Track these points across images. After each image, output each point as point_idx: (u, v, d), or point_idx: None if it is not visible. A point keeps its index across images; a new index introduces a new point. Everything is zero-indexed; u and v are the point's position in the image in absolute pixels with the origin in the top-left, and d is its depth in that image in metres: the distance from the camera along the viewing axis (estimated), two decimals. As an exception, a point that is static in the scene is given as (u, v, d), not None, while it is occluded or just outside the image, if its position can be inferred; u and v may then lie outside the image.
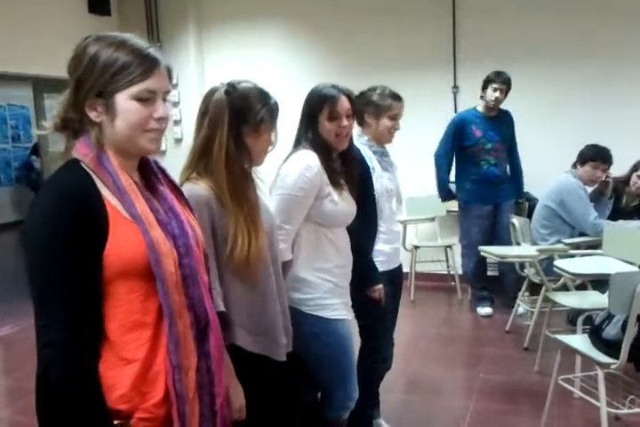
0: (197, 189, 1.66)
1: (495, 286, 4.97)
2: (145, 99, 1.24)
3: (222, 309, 1.62)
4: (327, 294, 2.16)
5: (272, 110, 1.75)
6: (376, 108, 2.67)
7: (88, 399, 1.18)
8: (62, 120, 1.27)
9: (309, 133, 2.20)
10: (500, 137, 4.67)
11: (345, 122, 2.20)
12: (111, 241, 1.20)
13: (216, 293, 1.62)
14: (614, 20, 5.03)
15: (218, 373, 1.36)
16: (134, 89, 1.23)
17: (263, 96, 1.74)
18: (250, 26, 6.00)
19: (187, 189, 1.64)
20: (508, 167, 4.77)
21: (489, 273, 5.10)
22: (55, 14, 5.41)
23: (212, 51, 6.11)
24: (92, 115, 1.25)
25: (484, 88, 4.65)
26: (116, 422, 1.20)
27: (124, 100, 1.24)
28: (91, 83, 1.23)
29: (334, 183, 2.18)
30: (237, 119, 1.69)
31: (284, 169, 2.16)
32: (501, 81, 4.56)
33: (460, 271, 5.32)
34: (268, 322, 1.74)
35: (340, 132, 2.20)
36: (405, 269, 5.03)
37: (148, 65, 1.24)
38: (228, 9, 6.04)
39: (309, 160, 2.13)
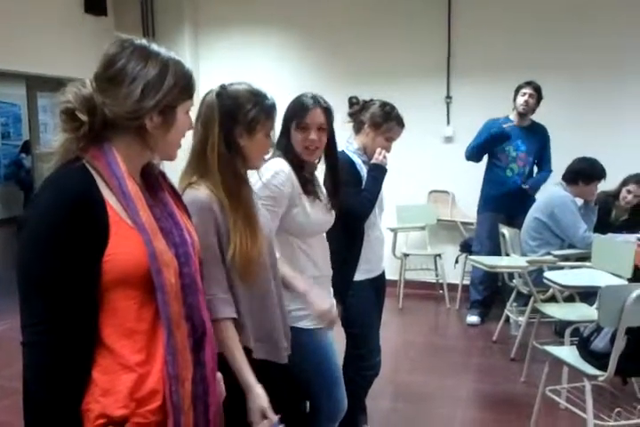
0: (199, 194, 1.66)
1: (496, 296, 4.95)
2: (188, 111, 1.35)
3: (228, 315, 1.62)
4: (303, 305, 2.12)
5: (267, 111, 1.73)
6: (377, 124, 2.66)
7: (55, 404, 1.16)
8: (91, 123, 1.24)
9: (283, 140, 2.17)
10: (527, 147, 4.68)
11: (313, 135, 2.12)
12: (111, 247, 1.20)
13: (219, 299, 1.62)
14: (608, 30, 5.09)
15: (212, 382, 1.36)
16: (188, 103, 1.34)
17: (256, 96, 1.73)
18: (246, 31, 6.01)
19: (190, 196, 1.64)
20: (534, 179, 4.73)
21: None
22: (51, 14, 5.39)
23: (208, 54, 6.12)
24: (149, 124, 1.27)
25: (515, 96, 4.67)
26: None
27: (181, 114, 1.32)
28: (161, 95, 1.26)
29: (307, 192, 2.15)
30: (227, 119, 1.69)
31: (254, 178, 2.14)
32: (531, 86, 4.60)
33: (449, 280, 5.37)
34: (270, 326, 1.74)
35: (307, 145, 2.14)
36: (395, 277, 5.11)
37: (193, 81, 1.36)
38: (225, 13, 6.06)
39: (278, 167, 2.10)
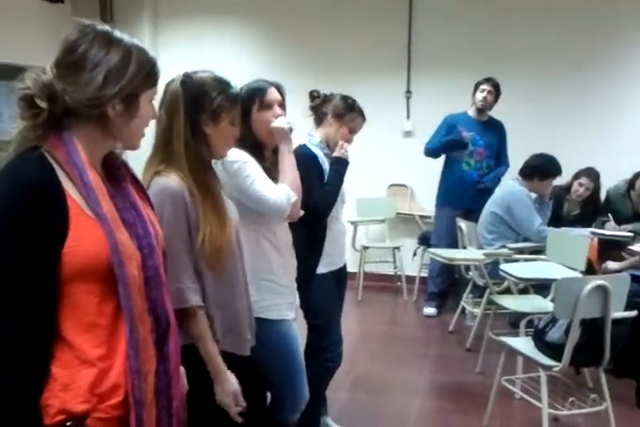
0: (170, 182, 1.64)
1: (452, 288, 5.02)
2: (151, 100, 1.32)
3: (198, 303, 1.62)
4: (270, 295, 2.14)
5: (232, 98, 1.73)
6: (340, 115, 2.68)
7: (12, 399, 1.13)
8: (50, 110, 1.20)
9: (241, 128, 2.12)
10: (485, 142, 4.75)
11: (278, 110, 2.16)
12: (71, 239, 1.16)
13: (189, 288, 1.61)
14: (567, 25, 5.21)
15: (175, 376, 1.34)
16: (152, 91, 1.30)
17: (221, 84, 1.72)
18: (207, 20, 5.94)
19: (160, 184, 1.62)
20: (483, 181, 4.79)
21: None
22: (6, 2, 5.21)
23: (167, 43, 6.00)
24: (112, 112, 1.23)
25: (474, 92, 4.74)
26: (69, 422, 1.16)
27: (145, 102, 1.29)
28: (124, 82, 1.22)
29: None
30: (193, 107, 1.67)
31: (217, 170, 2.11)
32: (490, 83, 4.68)
33: (407, 272, 5.43)
34: (235, 317, 1.73)
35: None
36: (354, 270, 5.13)
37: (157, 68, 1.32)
38: (184, 1, 5.96)
39: (236, 155, 2.05)
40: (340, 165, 2.62)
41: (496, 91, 4.71)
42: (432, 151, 4.82)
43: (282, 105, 2.19)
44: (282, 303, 2.18)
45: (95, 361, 1.19)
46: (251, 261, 2.08)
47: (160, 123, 1.69)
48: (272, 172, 2.16)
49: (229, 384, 1.66)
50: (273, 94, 2.18)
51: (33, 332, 1.15)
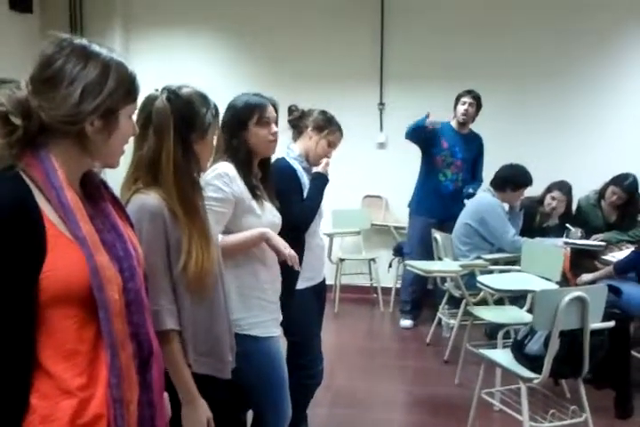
0: (150, 199, 1.60)
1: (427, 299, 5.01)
2: (131, 116, 1.28)
3: (174, 327, 1.57)
4: (257, 312, 2.13)
5: (215, 112, 1.73)
6: (320, 128, 2.70)
7: None
8: (25, 127, 1.16)
9: (234, 142, 2.17)
10: (463, 155, 4.76)
11: (275, 128, 2.22)
12: (49, 263, 1.12)
13: (167, 310, 1.57)
14: (543, 38, 5.30)
15: (159, 405, 1.30)
16: (132, 107, 1.27)
17: (205, 100, 1.70)
18: (178, 30, 5.88)
19: (138, 201, 1.58)
20: (466, 189, 4.79)
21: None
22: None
23: (139, 54, 5.92)
24: (90, 129, 1.19)
25: (455, 104, 4.74)
26: None
27: (124, 118, 1.25)
28: (102, 98, 1.18)
29: (254, 196, 2.16)
30: (184, 127, 1.64)
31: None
32: (471, 95, 4.68)
33: (383, 284, 5.42)
34: (215, 339, 1.69)
35: (273, 139, 2.22)
36: (330, 282, 5.10)
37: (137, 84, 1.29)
38: (156, 12, 5.91)
39: (223, 170, 2.11)
40: (321, 180, 2.63)
41: (477, 103, 4.72)
42: (406, 136, 4.68)
43: (276, 122, 2.25)
44: (268, 320, 2.17)
45: (76, 391, 1.14)
46: (239, 278, 2.08)
47: (144, 142, 1.64)
48: (256, 188, 2.17)
49: (201, 411, 1.61)
50: (272, 112, 2.23)
51: (10, 362, 1.10)
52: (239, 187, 2.12)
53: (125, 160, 1.53)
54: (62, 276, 1.13)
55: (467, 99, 4.69)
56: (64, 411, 1.13)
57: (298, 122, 2.72)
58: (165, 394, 1.40)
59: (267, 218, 2.17)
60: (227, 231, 2.11)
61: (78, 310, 1.16)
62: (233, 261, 2.06)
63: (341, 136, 2.77)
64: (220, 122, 2.12)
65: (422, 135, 4.62)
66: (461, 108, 4.71)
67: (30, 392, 1.12)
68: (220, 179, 2.08)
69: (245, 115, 2.18)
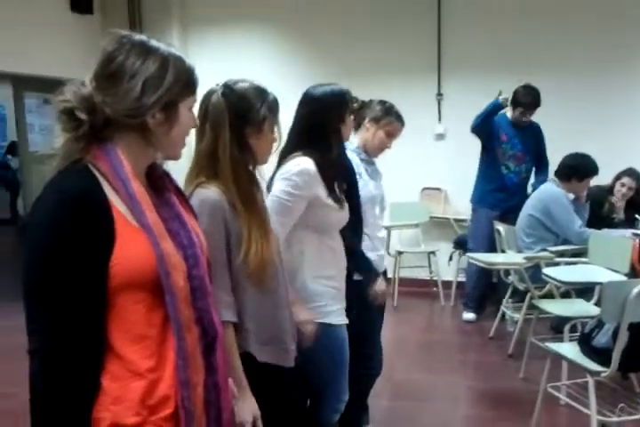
0: (210, 193, 1.63)
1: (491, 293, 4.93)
2: (191, 108, 1.31)
3: (230, 319, 1.59)
4: (331, 301, 2.17)
5: (272, 107, 1.72)
6: (377, 119, 2.69)
7: (63, 413, 1.13)
8: (91, 122, 1.21)
9: (330, 138, 2.16)
10: (523, 146, 4.67)
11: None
12: (118, 250, 1.16)
13: (224, 302, 1.59)
14: (598, 28, 5.11)
15: (224, 388, 1.33)
16: (191, 100, 1.30)
17: (261, 93, 1.71)
18: (234, 28, 5.97)
19: (201, 195, 1.61)
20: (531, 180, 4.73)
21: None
22: (37, 13, 5.33)
23: (197, 52, 6.04)
24: (152, 122, 1.23)
25: (514, 107, 4.59)
26: None
27: (184, 110, 1.28)
28: (162, 91, 1.22)
29: (331, 190, 2.16)
30: (238, 121, 1.66)
31: (278, 174, 2.14)
32: (530, 106, 4.54)
33: (443, 277, 5.36)
34: (277, 329, 1.72)
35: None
36: (389, 275, 5.08)
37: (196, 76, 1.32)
38: (213, 10, 6.01)
39: (304, 166, 2.11)
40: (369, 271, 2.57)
41: (536, 106, 4.57)
42: (476, 126, 4.64)
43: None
44: (341, 308, 2.21)
45: (145, 373, 1.18)
46: (314, 268, 2.11)
47: (204, 136, 1.68)
48: (333, 184, 2.18)
49: (249, 403, 1.60)
50: None
51: (84, 345, 1.14)
52: (318, 184, 2.11)
53: (188, 154, 1.57)
54: (130, 262, 1.17)
55: (525, 109, 4.55)
56: (134, 392, 1.17)
57: (357, 113, 2.70)
58: (230, 379, 1.42)
59: (341, 212, 2.18)
60: (305, 225, 2.11)
61: (146, 295, 1.20)
62: (310, 252, 2.11)
63: (402, 126, 2.74)
64: (307, 113, 2.17)
65: (490, 125, 4.56)
66: (520, 117, 4.59)
67: (102, 374, 1.17)
68: (302, 176, 2.08)
69: (344, 106, 2.20)
